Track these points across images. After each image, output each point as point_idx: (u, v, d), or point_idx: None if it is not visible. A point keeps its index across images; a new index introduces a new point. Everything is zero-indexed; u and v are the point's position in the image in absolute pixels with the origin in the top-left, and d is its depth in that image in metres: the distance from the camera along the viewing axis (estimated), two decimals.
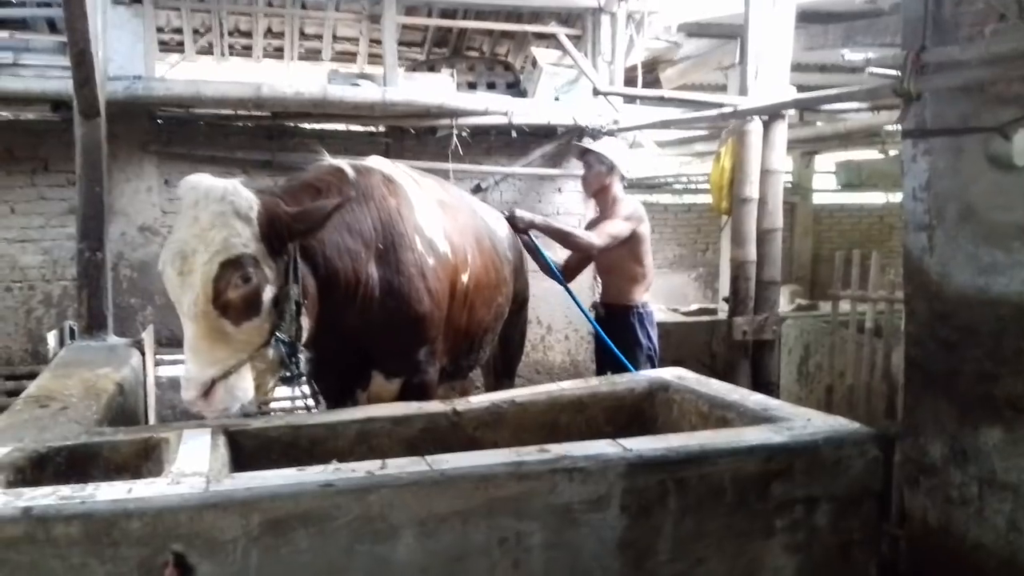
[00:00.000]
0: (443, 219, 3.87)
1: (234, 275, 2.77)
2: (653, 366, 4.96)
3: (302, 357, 3.09)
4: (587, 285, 6.19)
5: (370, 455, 2.83)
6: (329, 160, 3.57)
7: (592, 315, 5.32)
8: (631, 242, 5.05)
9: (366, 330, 3.42)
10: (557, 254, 5.32)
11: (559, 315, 7.13)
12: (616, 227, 4.98)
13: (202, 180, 2.90)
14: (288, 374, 3.06)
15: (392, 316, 3.44)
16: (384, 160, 3.91)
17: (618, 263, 5.14)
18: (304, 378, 3.17)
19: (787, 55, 5.99)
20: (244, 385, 2.84)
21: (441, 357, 3.87)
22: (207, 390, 2.76)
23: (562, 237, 4.99)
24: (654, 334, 5.22)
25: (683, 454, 2.54)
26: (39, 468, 2.57)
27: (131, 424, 3.51)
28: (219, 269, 2.74)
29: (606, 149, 5.20)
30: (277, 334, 2.92)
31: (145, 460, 2.72)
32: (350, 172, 3.46)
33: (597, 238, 4.92)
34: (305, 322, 3.05)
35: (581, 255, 5.29)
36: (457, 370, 4.27)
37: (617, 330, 5.06)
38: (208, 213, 2.78)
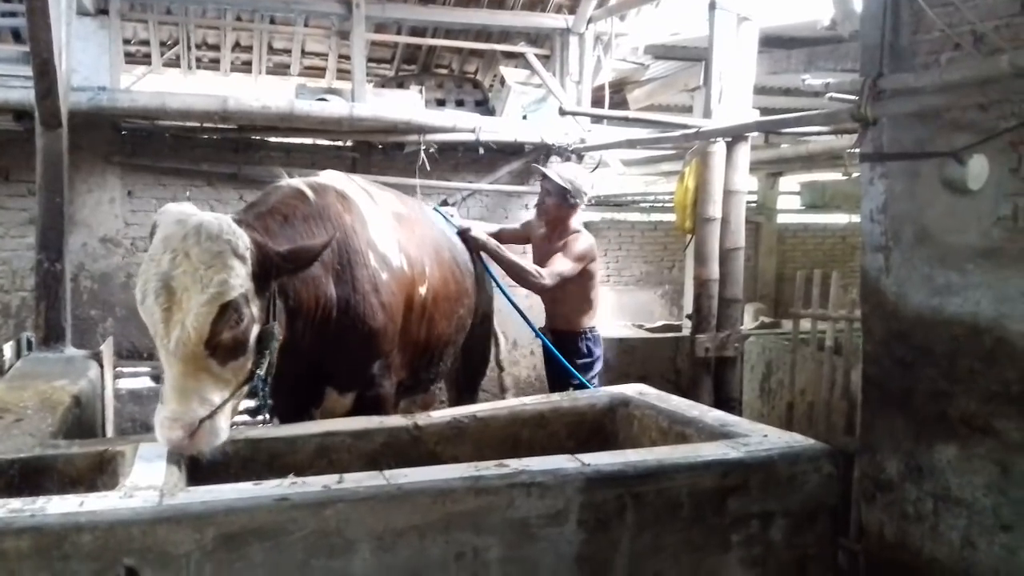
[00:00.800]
0: (399, 232, 3.87)
1: (231, 317, 2.71)
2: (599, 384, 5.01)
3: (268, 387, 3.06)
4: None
5: (330, 469, 2.82)
6: (287, 181, 3.56)
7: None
8: (582, 279, 5.00)
9: (321, 347, 3.39)
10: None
11: (524, 330, 7.11)
12: (566, 267, 4.89)
13: (189, 213, 2.81)
14: (256, 403, 3.03)
15: (347, 332, 3.44)
16: (338, 175, 3.91)
17: (566, 297, 5.08)
18: (268, 407, 3.12)
19: (750, 78, 6.07)
20: (226, 424, 2.76)
21: (399, 371, 3.86)
22: (193, 431, 2.65)
23: (514, 271, 4.86)
24: (599, 352, 5.24)
25: (641, 469, 2.55)
26: None
27: (88, 437, 3.47)
28: (218, 311, 2.67)
29: (568, 180, 5.06)
30: (258, 371, 2.87)
31: (100, 473, 2.69)
32: (310, 194, 3.46)
33: (548, 278, 4.82)
34: (275, 356, 3.00)
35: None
36: (417, 383, 4.26)
37: (566, 355, 5.04)
38: (203, 251, 2.68)
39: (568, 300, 5.10)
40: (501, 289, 5.14)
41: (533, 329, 5.30)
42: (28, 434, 2.92)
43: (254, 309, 2.83)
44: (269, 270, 2.86)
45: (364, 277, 3.49)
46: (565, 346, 5.10)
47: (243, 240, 2.79)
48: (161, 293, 2.66)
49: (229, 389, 2.79)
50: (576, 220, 5.17)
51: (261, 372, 2.88)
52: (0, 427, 2.99)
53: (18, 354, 4.60)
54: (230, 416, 2.80)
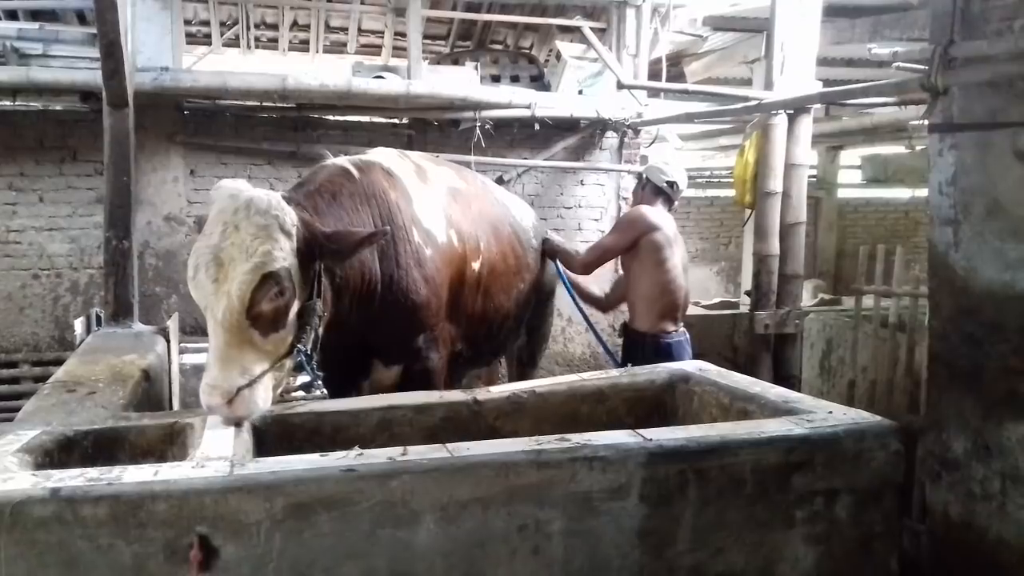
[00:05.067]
0: (452, 208, 3.92)
1: (272, 288, 2.79)
2: None
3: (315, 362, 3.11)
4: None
5: (392, 442, 2.85)
6: (333, 160, 3.65)
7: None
8: (640, 254, 4.46)
9: (366, 321, 3.46)
10: None
11: None
12: (605, 239, 4.66)
13: (242, 189, 2.90)
14: (307, 379, 3.09)
15: (390, 307, 3.50)
16: (390, 152, 3.96)
17: (630, 281, 4.62)
18: (320, 381, 3.17)
19: (813, 49, 5.95)
20: (265, 395, 2.82)
21: (452, 343, 3.91)
22: (231, 398, 2.72)
23: (562, 257, 4.79)
24: None
25: (703, 445, 2.54)
26: (66, 451, 2.61)
27: (156, 410, 3.57)
28: (260, 281, 2.75)
29: (646, 164, 5.03)
30: (299, 346, 2.93)
31: (170, 445, 2.76)
32: (355, 172, 3.55)
33: (582, 254, 4.71)
34: (320, 331, 3.07)
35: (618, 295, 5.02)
36: (479, 356, 4.30)
37: (632, 360, 4.33)
38: (250, 224, 2.78)
39: (633, 287, 4.58)
40: (567, 286, 5.10)
41: (590, 325, 5.26)
42: (101, 406, 3.00)
43: (296, 284, 2.89)
44: (313, 249, 2.94)
45: (407, 252, 3.56)
46: (630, 350, 4.54)
47: (290, 217, 2.88)
48: (211, 265, 2.76)
49: (268, 361, 2.85)
50: (648, 197, 4.69)
51: (304, 347, 2.94)
52: (74, 400, 3.08)
53: (88, 329, 4.74)
54: (271, 387, 2.86)
